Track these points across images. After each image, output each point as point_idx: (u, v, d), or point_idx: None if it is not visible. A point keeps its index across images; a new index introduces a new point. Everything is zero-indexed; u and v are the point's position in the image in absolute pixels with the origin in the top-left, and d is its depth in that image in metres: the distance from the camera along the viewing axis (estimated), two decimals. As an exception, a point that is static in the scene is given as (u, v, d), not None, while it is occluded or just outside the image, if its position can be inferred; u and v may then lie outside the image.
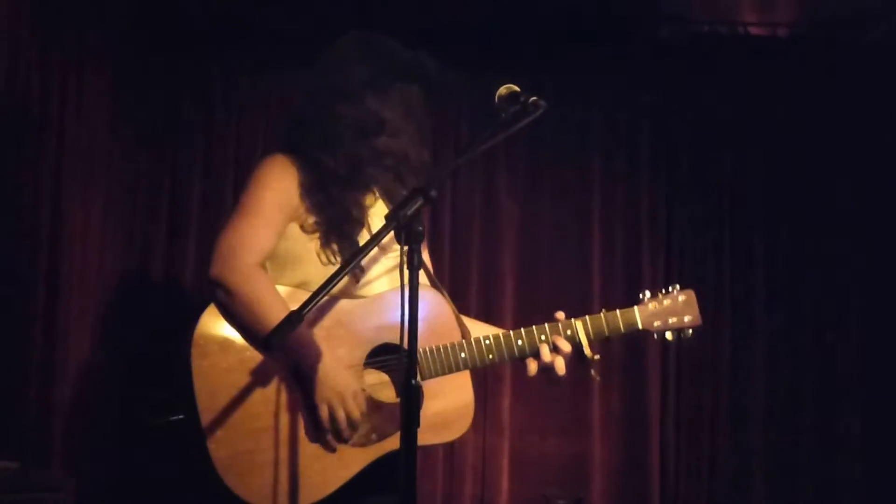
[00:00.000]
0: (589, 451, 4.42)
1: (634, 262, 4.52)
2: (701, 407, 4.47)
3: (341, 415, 2.41)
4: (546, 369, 2.61)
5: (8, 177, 3.56)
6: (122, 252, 4.15)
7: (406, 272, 2.04)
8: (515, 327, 2.64)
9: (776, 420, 4.45)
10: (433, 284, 2.62)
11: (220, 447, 2.38)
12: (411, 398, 2.01)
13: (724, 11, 4.47)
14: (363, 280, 2.59)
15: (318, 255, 2.55)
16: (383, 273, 2.62)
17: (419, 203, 2.06)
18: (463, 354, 2.57)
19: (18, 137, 3.60)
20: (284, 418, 2.42)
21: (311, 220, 2.56)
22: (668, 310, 2.68)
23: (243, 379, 2.42)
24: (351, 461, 2.46)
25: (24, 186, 3.62)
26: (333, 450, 2.44)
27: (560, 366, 2.61)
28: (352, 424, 2.43)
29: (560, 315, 2.65)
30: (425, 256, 2.72)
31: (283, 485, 2.39)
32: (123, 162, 4.13)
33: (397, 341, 2.47)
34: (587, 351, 2.62)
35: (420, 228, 2.06)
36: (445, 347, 2.56)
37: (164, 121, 4.25)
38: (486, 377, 4.30)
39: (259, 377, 2.43)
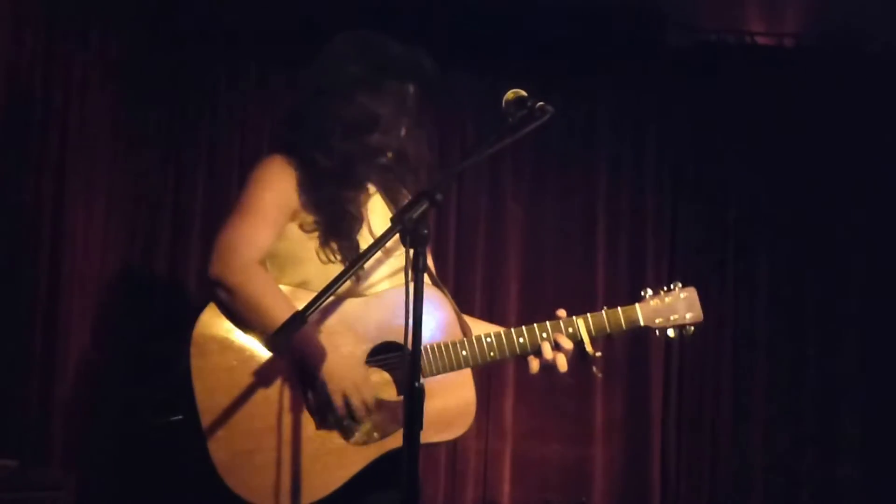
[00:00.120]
0: (591, 455, 4.42)
1: (639, 265, 4.52)
2: (702, 410, 4.48)
3: (357, 402, 2.42)
4: (548, 367, 2.61)
5: (10, 174, 3.56)
6: (125, 251, 4.13)
7: (411, 274, 2.03)
8: (518, 328, 2.64)
9: (777, 422, 4.46)
10: (434, 283, 2.62)
11: (220, 447, 2.37)
12: (415, 401, 2.00)
13: (731, 21, 4.48)
14: (366, 283, 2.58)
15: (318, 254, 2.55)
16: (387, 275, 2.62)
17: (425, 206, 2.06)
18: (464, 352, 2.56)
19: (21, 135, 3.60)
20: (285, 417, 2.41)
21: (310, 219, 2.56)
22: (669, 307, 2.67)
23: (243, 378, 2.41)
24: (352, 460, 2.45)
25: (26, 184, 3.61)
26: (352, 434, 2.45)
27: (562, 363, 2.60)
28: (369, 409, 2.44)
29: (561, 313, 2.64)
30: (428, 258, 2.72)
31: (285, 484, 2.39)
32: (126, 161, 4.12)
33: (399, 340, 2.49)
34: (589, 348, 2.62)
35: (425, 232, 2.06)
36: (447, 345, 2.55)
37: (168, 120, 4.24)
38: (490, 381, 4.30)
39: (259, 376, 2.42)
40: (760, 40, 4.54)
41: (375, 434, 2.48)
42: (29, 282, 3.62)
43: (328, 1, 3.99)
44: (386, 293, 2.57)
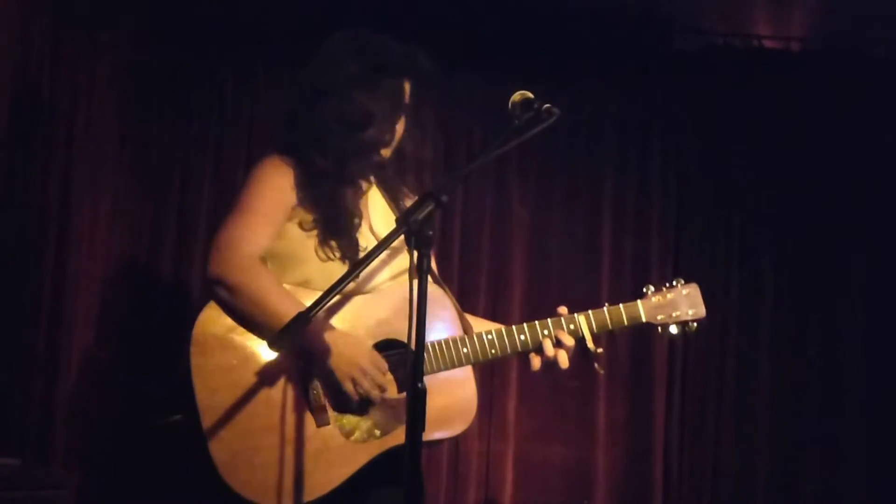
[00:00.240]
0: (593, 457, 4.41)
1: (643, 268, 4.51)
2: (705, 412, 4.48)
3: (367, 384, 2.42)
4: (549, 364, 2.61)
5: (17, 174, 3.56)
6: (130, 251, 4.13)
7: (415, 276, 2.03)
8: (522, 330, 2.64)
9: (780, 424, 4.46)
10: (436, 281, 2.61)
11: (221, 446, 2.37)
12: (418, 403, 2.00)
13: (738, 24, 4.48)
14: (371, 285, 2.58)
15: (317, 253, 2.55)
16: (389, 277, 2.61)
17: (430, 207, 2.06)
18: (465, 349, 2.56)
19: (28, 135, 3.60)
20: (286, 416, 2.42)
21: (309, 217, 2.56)
22: (671, 303, 2.67)
23: (244, 377, 2.41)
24: (353, 458, 2.45)
25: (32, 184, 3.62)
26: (366, 413, 2.46)
27: (563, 360, 2.60)
28: (380, 388, 2.44)
29: (563, 310, 2.64)
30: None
31: (286, 482, 2.39)
32: (133, 161, 4.12)
33: (399, 337, 2.49)
34: (590, 345, 2.62)
35: (430, 233, 2.05)
36: (447, 342, 2.55)
37: (175, 120, 4.24)
38: (492, 383, 4.31)
39: (259, 375, 2.42)
40: (767, 44, 4.53)
41: (377, 431, 2.48)
42: (34, 281, 3.62)
43: (335, 2, 3.99)
44: (388, 290, 2.57)
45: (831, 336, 4.53)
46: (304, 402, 2.44)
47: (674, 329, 2.67)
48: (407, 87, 2.65)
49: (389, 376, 2.49)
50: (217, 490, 2.36)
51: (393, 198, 2.69)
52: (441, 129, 4.36)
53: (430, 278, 2.56)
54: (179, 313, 4.05)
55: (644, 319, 2.66)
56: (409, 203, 2.66)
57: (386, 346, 2.52)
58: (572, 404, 4.40)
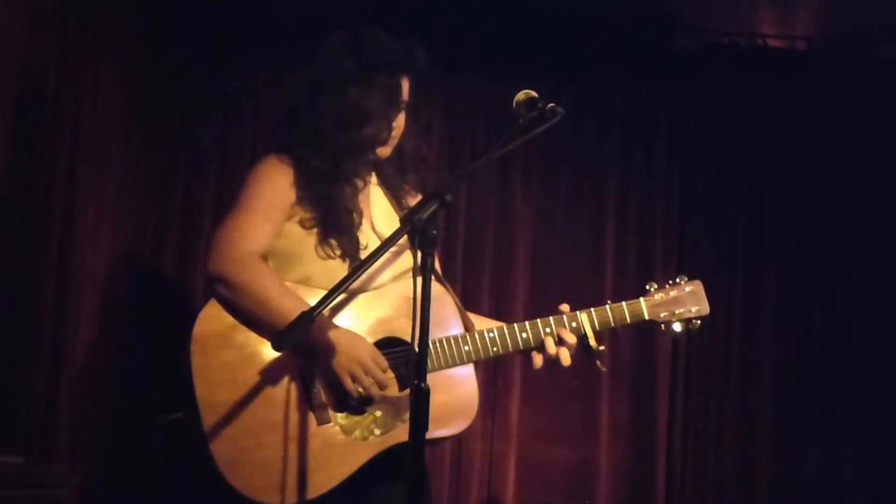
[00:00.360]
0: (596, 457, 4.41)
1: (647, 268, 4.50)
2: (708, 412, 4.48)
3: (366, 381, 2.42)
4: (551, 362, 2.61)
5: (22, 173, 3.56)
6: (134, 251, 4.14)
7: (419, 275, 2.03)
8: (525, 331, 2.62)
9: (782, 424, 4.47)
10: (437, 279, 2.61)
11: (222, 444, 2.38)
12: (420, 403, 2.00)
13: (743, 23, 4.47)
14: (374, 284, 2.58)
15: (317, 251, 2.55)
16: (392, 275, 2.62)
17: (434, 207, 2.07)
18: (467, 347, 2.56)
19: (33, 134, 3.60)
20: (287, 413, 2.42)
21: (309, 215, 2.57)
22: (675, 300, 2.67)
23: (244, 375, 2.42)
24: (355, 455, 2.46)
25: (37, 183, 3.62)
26: (363, 412, 2.46)
27: (565, 358, 2.61)
28: (380, 385, 2.44)
29: (565, 307, 2.64)
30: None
31: (288, 480, 2.39)
32: (138, 159, 4.13)
33: (400, 335, 2.48)
34: (592, 343, 2.62)
35: (434, 233, 2.06)
36: (449, 340, 2.55)
37: (180, 118, 4.24)
38: (495, 383, 4.31)
39: (260, 373, 2.43)
40: (772, 43, 4.53)
41: (377, 430, 2.48)
42: (38, 279, 3.62)
43: (337, 2, 3.99)
44: (389, 289, 2.58)
45: (834, 336, 4.53)
46: (305, 399, 2.44)
47: (677, 327, 2.67)
48: (405, 84, 2.64)
49: (390, 374, 2.49)
50: (218, 488, 2.37)
51: (394, 195, 2.69)
52: (445, 128, 4.37)
53: (432, 276, 2.57)
54: (183, 312, 4.05)
55: (647, 317, 2.66)
56: (410, 200, 2.68)
57: (387, 344, 2.52)
58: (575, 404, 4.41)
